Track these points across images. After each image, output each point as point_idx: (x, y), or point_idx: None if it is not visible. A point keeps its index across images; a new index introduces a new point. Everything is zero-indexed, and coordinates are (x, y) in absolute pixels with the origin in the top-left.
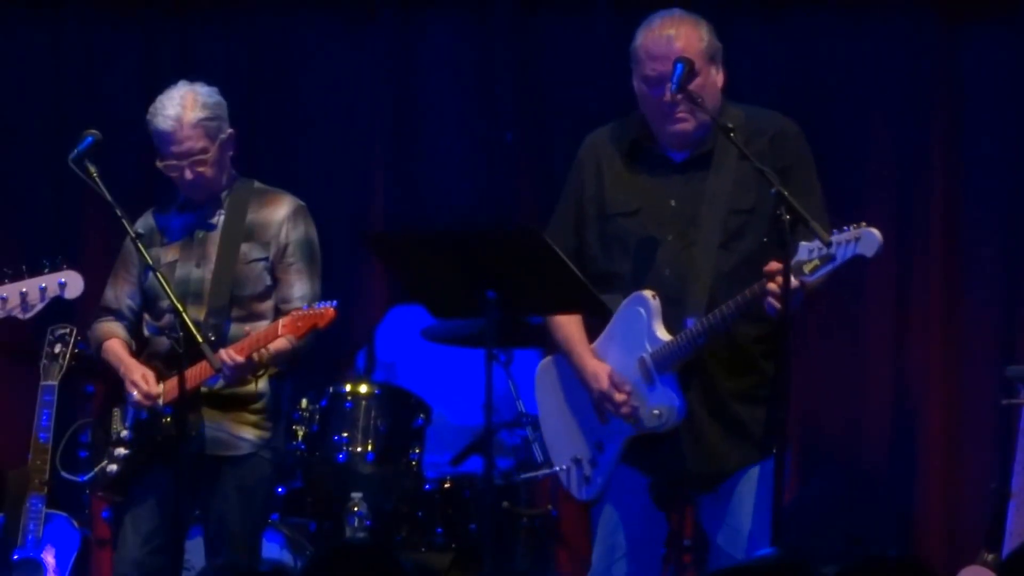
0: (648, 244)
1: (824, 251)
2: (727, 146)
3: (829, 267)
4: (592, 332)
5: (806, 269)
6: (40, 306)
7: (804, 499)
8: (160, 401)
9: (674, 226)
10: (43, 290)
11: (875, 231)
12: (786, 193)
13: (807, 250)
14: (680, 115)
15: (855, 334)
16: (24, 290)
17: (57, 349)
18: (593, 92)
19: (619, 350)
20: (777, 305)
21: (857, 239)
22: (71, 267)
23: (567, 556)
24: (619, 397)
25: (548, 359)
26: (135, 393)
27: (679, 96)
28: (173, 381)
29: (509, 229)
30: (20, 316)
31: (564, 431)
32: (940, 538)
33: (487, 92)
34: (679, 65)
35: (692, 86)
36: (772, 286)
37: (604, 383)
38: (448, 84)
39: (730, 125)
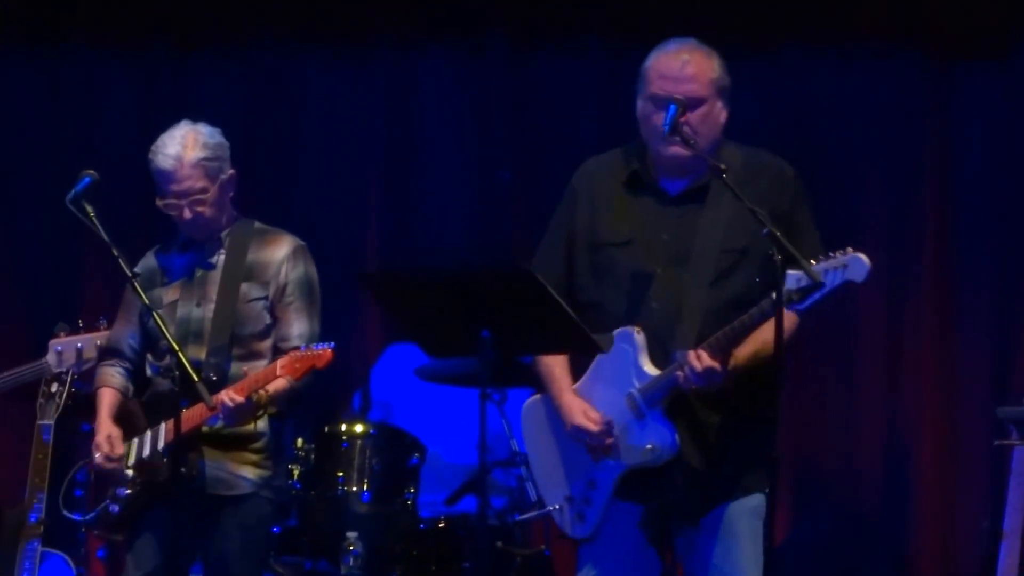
0: (638, 276)
1: (812, 279)
2: (722, 183)
3: (818, 294)
4: (578, 367)
5: (795, 297)
6: (93, 362)
7: (797, 538)
8: (121, 464)
9: (665, 260)
10: (100, 347)
11: (863, 256)
12: (778, 234)
13: (795, 279)
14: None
15: (847, 373)
16: (80, 345)
17: (54, 388)
18: (588, 129)
19: (607, 388)
20: (691, 383)
21: (845, 265)
22: (75, 307)
23: None
24: (595, 429)
25: (534, 399)
26: (98, 455)
27: (670, 136)
28: (173, 422)
29: (504, 269)
30: (73, 371)
31: (555, 470)
32: None
33: (483, 130)
34: (672, 107)
35: (696, 116)
36: (695, 367)
37: (578, 418)
38: (444, 122)
39: (722, 166)
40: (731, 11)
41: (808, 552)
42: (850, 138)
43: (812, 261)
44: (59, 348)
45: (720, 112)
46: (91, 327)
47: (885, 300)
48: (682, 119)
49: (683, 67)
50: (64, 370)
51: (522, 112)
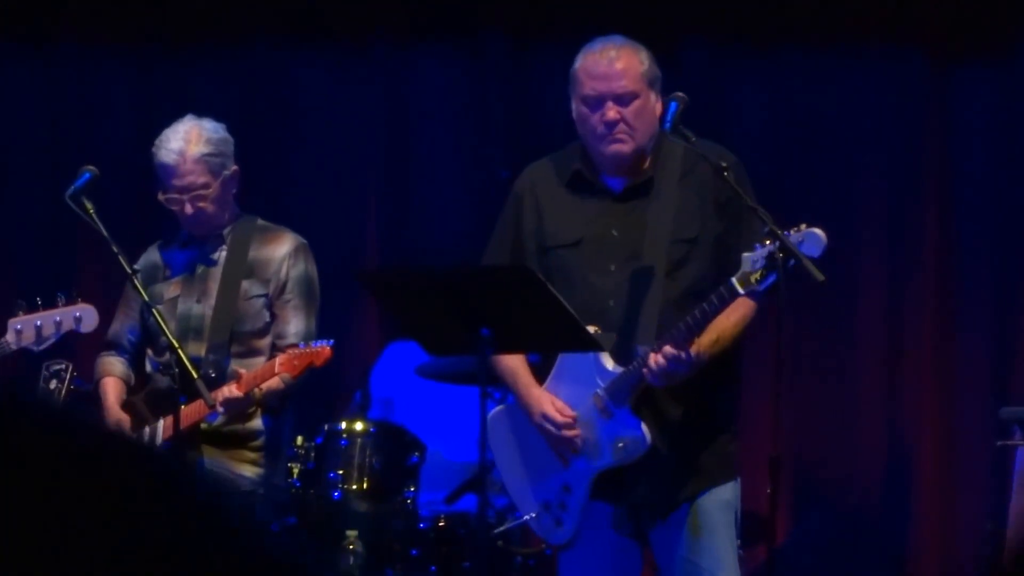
0: (592, 275)
1: (768, 259)
2: (666, 175)
3: (776, 275)
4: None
5: (753, 279)
6: (53, 339)
7: (798, 539)
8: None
9: (617, 257)
10: (58, 323)
11: (818, 231)
12: (779, 232)
13: (751, 261)
14: (618, 135)
15: (848, 373)
16: (39, 323)
17: (52, 385)
18: None
19: (570, 390)
20: (657, 377)
21: (801, 242)
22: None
23: None
24: (560, 419)
25: (498, 409)
26: None
27: (672, 134)
28: (171, 418)
29: (503, 267)
30: (33, 349)
31: (528, 479)
32: None
33: (481, 129)
34: (673, 103)
35: (631, 110)
36: (659, 360)
37: (547, 407)
38: (442, 121)
39: (724, 164)
40: (731, 12)
41: (809, 553)
42: (850, 138)
43: (767, 241)
44: (18, 327)
45: (655, 104)
46: (49, 304)
47: (886, 300)
48: (615, 117)
49: (611, 64)
50: (24, 347)
51: (519, 111)
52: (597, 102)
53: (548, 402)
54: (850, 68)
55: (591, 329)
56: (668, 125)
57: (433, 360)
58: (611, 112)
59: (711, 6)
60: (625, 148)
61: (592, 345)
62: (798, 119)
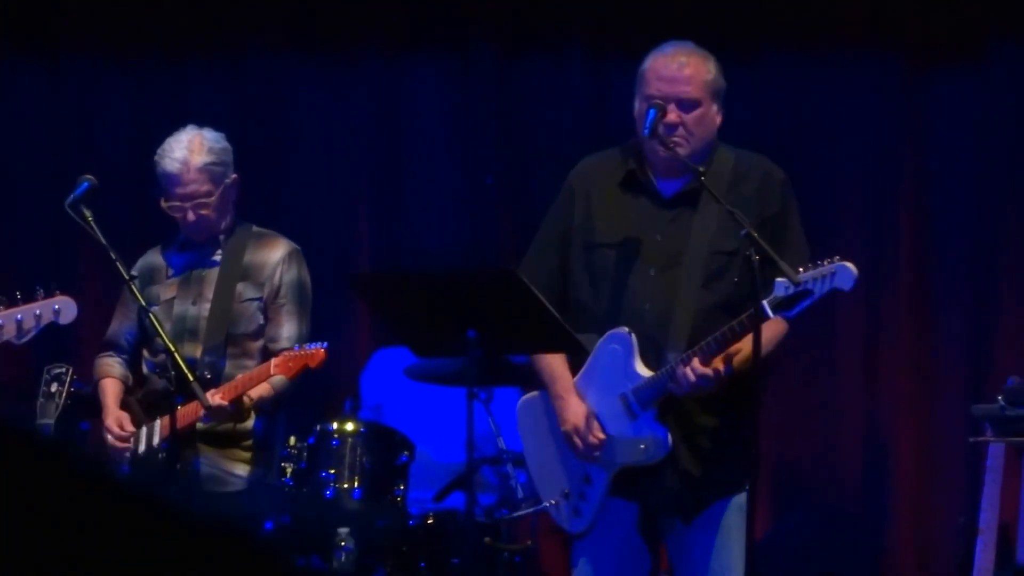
0: (630, 276)
1: (801, 287)
2: (714, 185)
3: (807, 302)
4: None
5: (785, 305)
6: (34, 332)
7: (777, 535)
8: (132, 443)
9: (658, 261)
10: (38, 316)
11: (850, 265)
12: (755, 235)
13: (783, 287)
14: (676, 138)
15: (825, 371)
16: (19, 317)
17: (53, 388)
18: (572, 135)
19: (598, 388)
20: (683, 389)
21: (833, 274)
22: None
23: None
24: (592, 440)
25: (531, 395)
26: (109, 437)
27: (651, 140)
28: (168, 419)
29: (489, 270)
30: (15, 342)
31: (551, 466)
32: (911, 573)
33: (469, 135)
34: (652, 110)
35: (691, 118)
36: (687, 374)
37: (580, 423)
38: (431, 128)
39: (700, 169)
40: (711, 17)
41: (788, 548)
42: (827, 140)
43: (800, 268)
44: (0, 322)
45: (715, 114)
46: (29, 299)
47: (862, 300)
48: (676, 121)
49: (680, 69)
50: (5, 341)
51: (507, 117)
52: (659, 103)
53: (583, 417)
54: (827, 73)
55: (624, 331)
56: (647, 131)
57: (421, 361)
58: (672, 115)
59: (692, 15)
60: (682, 150)
61: (576, 347)
62: (775, 124)
